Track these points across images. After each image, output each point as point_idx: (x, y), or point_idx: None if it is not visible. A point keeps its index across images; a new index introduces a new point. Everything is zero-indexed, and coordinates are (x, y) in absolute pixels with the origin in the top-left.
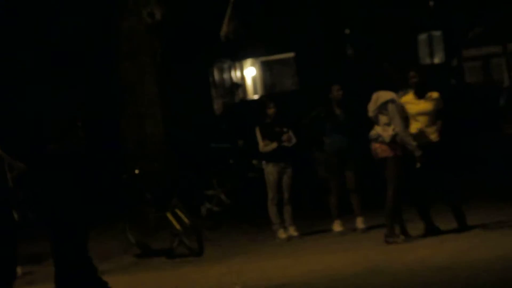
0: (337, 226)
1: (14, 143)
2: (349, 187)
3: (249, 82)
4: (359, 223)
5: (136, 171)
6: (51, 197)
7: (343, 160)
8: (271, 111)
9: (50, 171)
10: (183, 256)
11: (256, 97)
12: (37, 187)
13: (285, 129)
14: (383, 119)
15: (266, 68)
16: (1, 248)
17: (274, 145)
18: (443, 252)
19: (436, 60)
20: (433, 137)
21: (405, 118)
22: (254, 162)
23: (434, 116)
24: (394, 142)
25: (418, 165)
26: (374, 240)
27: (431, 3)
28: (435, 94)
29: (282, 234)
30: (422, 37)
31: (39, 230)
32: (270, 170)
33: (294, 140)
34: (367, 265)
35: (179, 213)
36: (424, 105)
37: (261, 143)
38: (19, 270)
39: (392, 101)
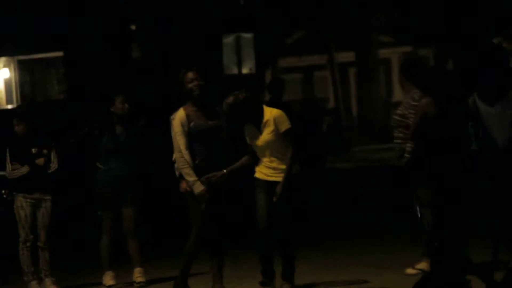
0: (108, 279)
1: None
2: (127, 228)
3: (1, 87)
4: (138, 275)
5: None
6: None
7: (121, 193)
8: (19, 128)
9: None
10: None
11: (9, 107)
12: None
13: (44, 151)
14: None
15: (25, 70)
16: None
17: (25, 169)
18: None
19: (245, 70)
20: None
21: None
22: (3, 192)
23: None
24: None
25: (202, 207)
26: None
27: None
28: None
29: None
30: (228, 39)
31: None
32: (20, 203)
33: (54, 165)
34: None
35: None
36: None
37: (8, 167)
38: None
39: (172, 119)
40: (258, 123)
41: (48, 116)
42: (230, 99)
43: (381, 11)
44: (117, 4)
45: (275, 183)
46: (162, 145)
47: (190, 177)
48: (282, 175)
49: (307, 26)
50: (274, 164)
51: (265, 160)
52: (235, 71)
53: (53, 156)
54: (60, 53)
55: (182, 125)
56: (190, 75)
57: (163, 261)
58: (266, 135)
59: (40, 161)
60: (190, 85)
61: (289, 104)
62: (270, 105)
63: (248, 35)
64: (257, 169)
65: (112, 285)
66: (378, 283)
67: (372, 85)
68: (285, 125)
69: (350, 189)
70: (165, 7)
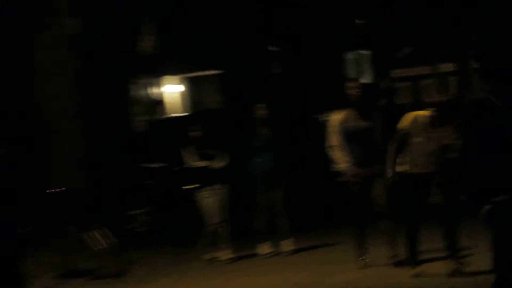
0: (264, 249)
1: None
2: (277, 208)
3: (170, 99)
4: (287, 245)
5: (58, 190)
6: None
7: (270, 180)
8: (196, 134)
9: None
10: (105, 277)
11: (178, 115)
12: None
13: (214, 151)
14: None
15: (190, 85)
16: None
17: (204, 163)
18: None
19: (364, 80)
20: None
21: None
22: (181, 182)
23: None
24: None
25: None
26: (302, 262)
27: (358, 21)
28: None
29: (211, 256)
30: (350, 55)
31: None
32: (204, 194)
33: (224, 162)
34: (296, 286)
35: (101, 233)
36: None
37: (191, 159)
38: None
39: (329, 119)
40: None
41: (210, 121)
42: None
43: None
44: (258, 28)
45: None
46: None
47: (341, 160)
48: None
49: (414, 43)
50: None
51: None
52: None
53: (222, 155)
54: (217, 71)
55: (336, 125)
56: (351, 84)
57: (307, 234)
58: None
59: (206, 162)
60: (350, 92)
61: (402, 107)
62: (386, 108)
63: (366, 52)
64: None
65: (268, 253)
66: None
67: (468, 90)
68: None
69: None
70: (301, 26)
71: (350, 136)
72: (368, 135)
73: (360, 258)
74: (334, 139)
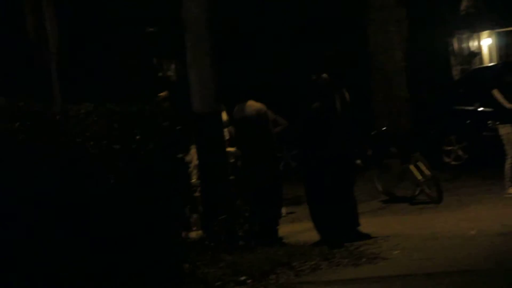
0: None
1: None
2: None
3: (485, 51)
4: None
5: (384, 128)
6: (314, 148)
7: None
8: (508, 79)
9: (315, 126)
10: (424, 203)
11: (490, 64)
12: (304, 139)
13: None
14: None
15: (501, 39)
16: (270, 193)
17: None
18: None
19: None
20: None
21: None
22: (489, 122)
23: None
24: None
25: None
26: None
27: None
28: None
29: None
30: None
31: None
32: (508, 131)
33: None
34: None
35: (421, 165)
36: None
37: (505, 101)
38: (284, 210)
39: None
40: None
41: None
42: None
43: None
44: None
45: None
46: None
47: None
48: None
49: None
50: None
51: None
52: None
53: None
54: None
55: None
56: None
57: None
58: None
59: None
60: None
61: None
62: None
63: None
64: None
65: None
66: None
67: None
68: None
69: None
70: None
71: None
72: None
73: None
74: None
